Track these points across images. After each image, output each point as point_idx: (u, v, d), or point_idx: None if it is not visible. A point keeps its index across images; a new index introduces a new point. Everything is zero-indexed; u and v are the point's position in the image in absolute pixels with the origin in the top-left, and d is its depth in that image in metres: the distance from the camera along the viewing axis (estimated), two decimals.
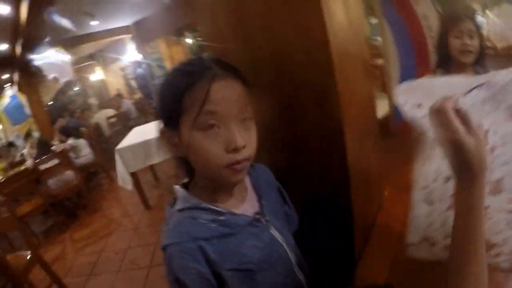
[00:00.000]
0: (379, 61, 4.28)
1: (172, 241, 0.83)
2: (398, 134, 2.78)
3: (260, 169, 1.08)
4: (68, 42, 9.07)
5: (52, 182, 5.39)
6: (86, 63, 12.85)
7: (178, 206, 0.89)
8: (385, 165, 1.61)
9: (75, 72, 11.69)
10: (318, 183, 1.30)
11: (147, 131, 5.12)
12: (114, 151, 4.82)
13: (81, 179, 5.64)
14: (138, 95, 11.88)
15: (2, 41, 6.89)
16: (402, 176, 1.38)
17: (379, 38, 3.77)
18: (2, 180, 5.01)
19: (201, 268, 0.81)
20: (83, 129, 7.15)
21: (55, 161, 5.46)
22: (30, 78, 9.48)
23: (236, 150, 0.79)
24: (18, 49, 7.49)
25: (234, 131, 0.79)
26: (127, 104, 8.75)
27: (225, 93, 0.79)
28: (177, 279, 0.80)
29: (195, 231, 0.83)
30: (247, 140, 0.82)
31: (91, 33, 9.46)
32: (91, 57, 12.30)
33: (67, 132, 6.58)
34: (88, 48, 10.83)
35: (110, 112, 8.89)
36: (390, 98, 4.22)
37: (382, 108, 4.82)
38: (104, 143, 8.04)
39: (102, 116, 8.50)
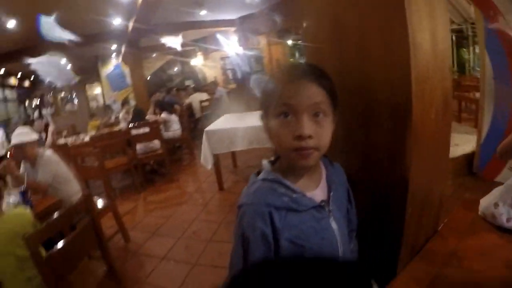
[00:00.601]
0: (477, 95, 4.09)
1: (249, 201, 0.99)
2: (479, 175, 2.62)
3: (337, 167, 1.20)
4: (176, 26, 9.64)
5: (139, 147, 5.81)
6: (189, 48, 13.47)
7: (261, 176, 1.04)
8: (454, 199, 1.59)
9: (179, 54, 12.41)
10: (379, 193, 1.39)
11: (236, 119, 5.30)
12: (201, 131, 5.04)
13: (166, 150, 6.00)
14: (232, 86, 12.26)
15: (120, 16, 7.51)
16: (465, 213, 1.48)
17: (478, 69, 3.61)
18: (97, 135, 5.47)
19: (266, 229, 0.95)
20: (176, 106, 7.53)
21: (146, 129, 5.88)
22: (137, 52, 10.16)
23: (301, 137, 0.91)
24: (130, 25, 8.09)
25: (302, 122, 0.92)
26: (221, 91, 9.01)
27: (299, 90, 0.93)
28: (243, 234, 0.96)
29: (270, 199, 0.97)
30: (315, 132, 0.92)
31: (197, 21, 9.95)
32: (194, 42, 12.88)
33: (161, 106, 7.01)
34: (192, 34, 11.37)
35: (205, 96, 9.24)
36: (479, 136, 4.01)
37: (469, 145, 4.60)
38: (193, 123, 8.45)
39: (196, 99, 8.86)
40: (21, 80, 15.62)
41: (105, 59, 13.17)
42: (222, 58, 14.31)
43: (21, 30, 6.99)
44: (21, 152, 3.31)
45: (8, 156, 3.57)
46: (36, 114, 15.95)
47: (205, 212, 4.46)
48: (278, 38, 11.28)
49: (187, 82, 12.74)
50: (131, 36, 8.97)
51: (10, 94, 15.07)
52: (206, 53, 13.96)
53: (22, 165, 3.50)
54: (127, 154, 5.68)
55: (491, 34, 3.42)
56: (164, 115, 6.69)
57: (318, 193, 1.08)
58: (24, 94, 16.84)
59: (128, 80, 12.64)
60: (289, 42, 11.70)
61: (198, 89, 10.41)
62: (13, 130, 3.61)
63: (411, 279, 1.18)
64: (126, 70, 12.65)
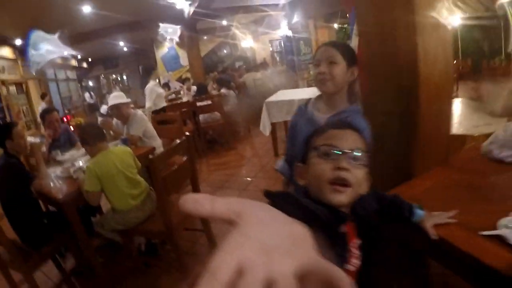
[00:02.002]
0: None
1: None
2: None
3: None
4: (229, 10, 10.19)
5: (202, 117, 6.50)
6: (240, 31, 14.03)
7: None
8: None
9: (230, 37, 12.99)
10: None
11: (291, 93, 5.94)
12: (254, 108, 5.71)
13: (226, 121, 6.62)
14: (281, 68, 12.72)
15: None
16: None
17: None
18: (169, 105, 6.21)
19: None
20: (232, 84, 8.14)
21: (209, 102, 6.53)
22: (194, 34, 10.85)
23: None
24: (191, 9, 8.73)
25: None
26: (273, 71, 9.63)
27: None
28: None
29: None
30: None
31: (250, 5, 10.45)
32: (245, 26, 13.38)
33: (221, 83, 7.65)
34: (244, 17, 11.89)
35: (258, 75, 9.79)
36: None
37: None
38: (249, 99, 9.05)
39: (250, 78, 9.42)
40: (80, 62, 16.76)
41: (160, 41, 13.94)
42: (271, 41, 14.80)
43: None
44: (117, 110, 3.98)
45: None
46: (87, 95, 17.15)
47: (263, 172, 5.02)
48: (325, 22, 11.62)
49: (237, 64, 13.31)
50: (190, 20, 9.62)
51: (71, 74, 16.18)
52: (256, 36, 14.45)
53: (113, 123, 4.19)
54: (193, 122, 6.37)
55: None
56: (223, 90, 7.32)
57: (320, 116, 1.66)
58: (81, 75, 18.08)
59: (182, 61, 13.44)
60: (335, 25, 11.99)
61: (249, 69, 10.94)
62: (74, 106, 4.27)
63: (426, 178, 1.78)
64: (180, 52, 13.44)
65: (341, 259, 1.04)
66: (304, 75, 11.36)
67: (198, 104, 6.49)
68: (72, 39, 10.36)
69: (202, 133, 6.57)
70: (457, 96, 6.19)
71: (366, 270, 1.13)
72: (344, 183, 0.99)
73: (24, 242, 2.79)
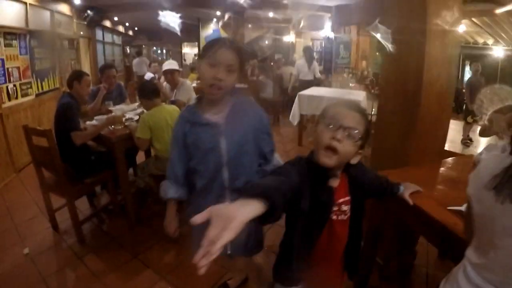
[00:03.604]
0: None
1: (180, 115, 1.88)
2: None
3: (253, 112, 1.84)
4: (278, 4, 10.55)
5: None
6: (283, 25, 14.41)
7: (190, 105, 1.86)
8: None
9: (273, 29, 13.35)
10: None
11: (324, 91, 6.45)
12: (287, 100, 6.50)
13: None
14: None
15: None
16: None
17: None
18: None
19: (180, 130, 1.80)
20: (270, 73, 8.56)
21: (245, 85, 6.97)
22: (240, 20, 11.34)
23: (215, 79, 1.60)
24: None
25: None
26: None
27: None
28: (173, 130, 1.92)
29: (186, 116, 1.80)
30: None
31: (298, 2, 10.75)
32: (288, 21, 13.72)
33: (260, 70, 8.10)
34: (290, 13, 12.21)
35: (295, 70, 10.17)
36: None
37: None
38: (283, 91, 9.46)
39: (287, 71, 9.81)
40: (127, 29, 17.40)
41: (205, 23, 14.42)
42: (313, 40, 15.11)
43: None
44: (170, 75, 4.47)
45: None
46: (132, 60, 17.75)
47: (285, 157, 5.34)
48: (368, 31, 11.83)
49: (277, 56, 13.65)
50: (239, 6, 10.03)
51: (117, 39, 16.79)
52: (299, 32, 14.79)
53: (163, 86, 4.70)
54: None
55: None
56: (262, 78, 7.76)
57: (216, 119, 1.71)
58: (126, 42, 18.72)
59: None
60: (378, 35, 12.17)
61: (288, 63, 11.29)
62: (117, 71, 4.71)
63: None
64: (223, 35, 13.87)
65: (326, 209, 1.34)
66: (339, 78, 11.66)
67: (236, 86, 6.88)
68: (123, 6, 10.97)
69: None
70: None
71: (354, 221, 1.44)
72: (334, 150, 1.22)
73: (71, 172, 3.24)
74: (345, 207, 1.39)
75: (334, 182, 1.35)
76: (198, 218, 0.79)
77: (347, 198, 1.39)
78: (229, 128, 1.70)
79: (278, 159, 1.96)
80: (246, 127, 1.75)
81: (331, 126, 1.24)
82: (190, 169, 1.83)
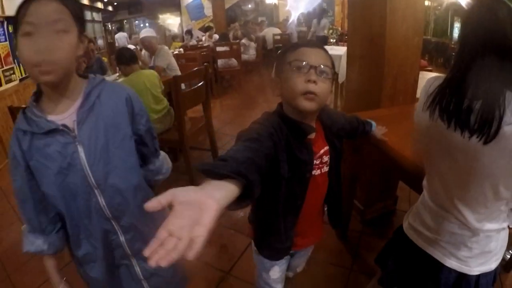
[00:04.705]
0: None
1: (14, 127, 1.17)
2: None
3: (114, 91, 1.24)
4: None
5: (220, 62, 7.05)
6: None
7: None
8: None
9: None
10: None
11: None
12: (271, 60, 6.27)
13: (241, 68, 7.20)
14: (303, 28, 12.99)
15: None
16: None
17: None
18: (192, 46, 6.72)
19: (16, 151, 1.12)
20: (252, 36, 8.58)
21: (227, 48, 7.04)
22: None
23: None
24: None
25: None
26: (293, 29, 9.99)
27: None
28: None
29: (19, 124, 1.10)
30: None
31: None
32: None
33: (243, 33, 8.18)
34: None
35: (277, 30, 10.17)
36: None
37: None
38: (266, 53, 9.51)
39: (270, 32, 9.79)
40: (106, 5, 17.12)
41: None
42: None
43: None
44: (148, 43, 4.52)
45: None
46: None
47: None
48: None
49: (260, 19, 13.55)
50: None
51: (96, 16, 16.55)
52: None
53: (142, 54, 4.76)
54: (211, 65, 6.87)
55: None
56: (244, 40, 7.85)
57: (67, 118, 1.10)
58: (107, 18, 18.44)
59: (205, 11, 13.83)
60: None
61: (271, 25, 11.25)
62: (99, 48, 4.78)
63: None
64: (204, 2, 13.80)
65: (307, 167, 1.24)
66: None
67: (218, 49, 7.01)
68: None
69: (219, 77, 7.17)
70: None
71: (334, 169, 1.38)
72: (313, 94, 1.12)
73: None
74: (326, 158, 1.32)
75: (312, 134, 1.25)
76: (153, 204, 0.57)
77: (326, 148, 1.32)
78: (86, 128, 1.12)
79: (164, 160, 1.52)
80: (111, 120, 1.17)
81: (301, 69, 1.13)
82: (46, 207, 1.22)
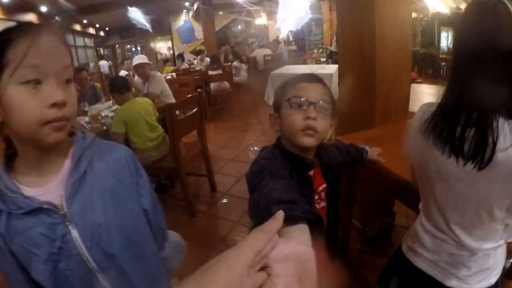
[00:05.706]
0: None
1: None
2: None
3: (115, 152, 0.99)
4: None
5: (213, 86, 7.07)
6: (254, 8, 14.43)
7: None
8: None
9: (244, 14, 13.41)
10: None
11: (296, 68, 6.58)
12: (263, 80, 6.33)
13: (233, 90, 7.26)
14: (293, 47, 13.17)
15: None
16: None
17: None
18: (184, 71, 6.76)
19: None
20: (243, 58, 8.67)
21: (220, 71, 7.08)
22: (209, 8, 11.41)
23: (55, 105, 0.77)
24: None
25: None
26: (283, 49, 10.13)
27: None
28: None
29: None
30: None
31: None
32: (259, 4, 13.77)
33: (234, 56, 8.24)
34: None
35: (268, 51, 10.25)
36: None
37: None
38: (258, 74, 9.59)
39: (261, 53, 9.89)
40: (98, 30, 17.29)
41: (176, 14, 14.43)
42: (284, 20, 15.15)
43: None
44: (142, 69, 4.56)
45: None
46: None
47: (264, 136, 5.63)
48: None
49: (251, 40, 13.72)
50: None
51: (89, 42, 16.70)
52: (270, 14, 14.82)
53: (135, 80, 4.80)
54: (204, 89, 6.92)
55: None
56: (235, 63, 7.93)
57: (51, 191, 0.85)
58: (99, 43, 18.63)
59: (196, 34, 13.99)
60: None
61: (261, 46, 11.37)
62: (92, 74, 4.81)
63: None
64: (195, 25, 13.98)
65: (308, 199, 1.18)
66: (313, 54, 11.80)
67: (210, 73, 7.05)
68: (91, 8, 10.94)
69: (212, 101, 7.18)
70: None
71: (331, 208, 1.38)
72: (312, 130, 1.12)
73: None
74: (323, 194, 1.33)
75: (311, 171, 1.23)
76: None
77: (324, 185, 1.33)
78: (78, 204, 0.86)
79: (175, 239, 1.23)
80: (109, 190, 0.92)
81: (300, 105, 1.13)
82: None
